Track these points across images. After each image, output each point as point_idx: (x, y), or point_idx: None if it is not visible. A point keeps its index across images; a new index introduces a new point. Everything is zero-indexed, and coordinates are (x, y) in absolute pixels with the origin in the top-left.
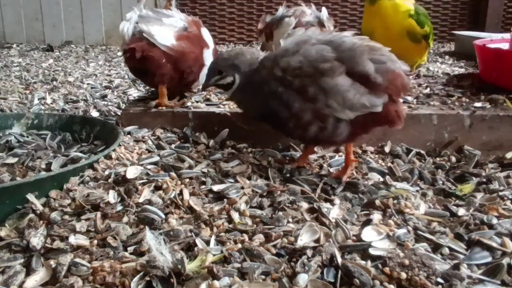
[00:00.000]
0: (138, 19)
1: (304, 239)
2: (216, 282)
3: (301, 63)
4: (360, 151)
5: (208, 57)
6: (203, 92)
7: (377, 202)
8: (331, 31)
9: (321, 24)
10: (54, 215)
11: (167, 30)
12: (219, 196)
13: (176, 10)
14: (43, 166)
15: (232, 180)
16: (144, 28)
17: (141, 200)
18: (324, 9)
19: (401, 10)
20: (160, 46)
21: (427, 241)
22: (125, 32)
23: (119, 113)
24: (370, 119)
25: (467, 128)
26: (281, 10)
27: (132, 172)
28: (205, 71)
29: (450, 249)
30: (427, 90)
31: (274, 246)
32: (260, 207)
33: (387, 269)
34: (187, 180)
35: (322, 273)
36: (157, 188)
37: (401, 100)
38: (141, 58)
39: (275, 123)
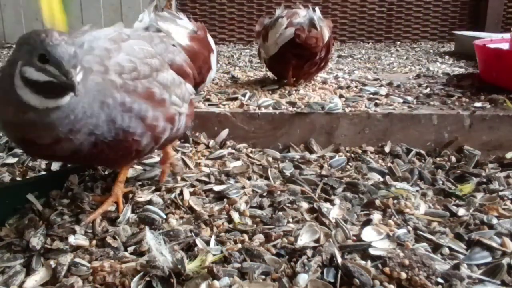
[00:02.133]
0: (156, 18)
1: (304, 239)
2: (216, 282)
3: (133, 63)
4: (360, 151)
5: (213, 62)
6: (202, 92)
7: (377, 202)
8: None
9: (312, 25)
10: (54, 215)
11: (181, 30)
12: (219, 196)
13: (182, 14)
14: (43, 166)
15: (232, 180)
16: (162, 27)
17: (141, 200)
18: (317, 9)
19: None
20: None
21: (427, 241)
22: None
23: None
24: (191, 105)
25: (467, 128)
26: (278, 12)
27: (131, 171)
28: (212, 75)
29: (450, 249)
30: (427, 90)
31: (274, 246)
32: (260, 207)
33: (387, 269)
34: (188, 180)
35: (322, 273)
36: (158, 188)
37: None
38: None
39: (103, 151)
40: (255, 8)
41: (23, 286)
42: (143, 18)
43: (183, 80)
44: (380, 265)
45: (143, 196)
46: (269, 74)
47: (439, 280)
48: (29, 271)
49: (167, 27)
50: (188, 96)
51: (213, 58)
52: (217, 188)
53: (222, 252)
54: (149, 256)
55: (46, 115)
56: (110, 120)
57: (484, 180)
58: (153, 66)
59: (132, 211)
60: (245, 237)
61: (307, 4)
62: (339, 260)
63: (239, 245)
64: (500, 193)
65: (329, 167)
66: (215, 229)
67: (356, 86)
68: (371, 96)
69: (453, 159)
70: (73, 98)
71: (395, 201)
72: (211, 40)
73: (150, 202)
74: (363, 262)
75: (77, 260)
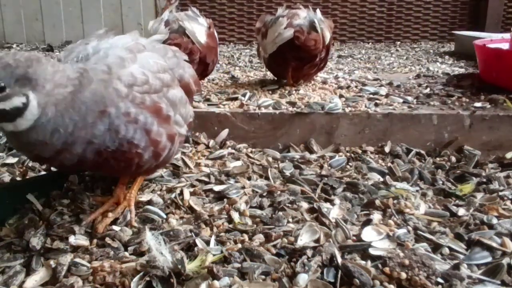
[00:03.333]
0: (183, 17)
1: (304, 239)
2: (216, 282)
3: (146, 76)
4: (360, 151)
5: (218, 52)
6: (202, 92)
7: (377, 202)
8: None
9: (313, 27)
10: (54, 215)
11: (202, 28)
12: (219, 196)
13: (196, 10)
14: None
15: (232, 180)
16: (188, 27)
17: (141, 200)
18: (318, 11)
19: None
20: (197, 44)
21: (427, 241)
22: (161, 30)
23: None
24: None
25: (467, 128)
26: (280, 11)
27: None
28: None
29: (450, 249)
30: (427, 90)
31: (274, 246)
32: (260, 207)
33: (387, 269)
34: (188, 180)
35: (322, 273)
36: (158, 188)
37: None
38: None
39: (107, 161)
40: (255, 8)
41: (23, 286)
42: (163, 17)
43: (188, 99)
44: (380, 265)
45: (143, 196)
46: (269, 74)
47: (439, 280)
48: (29, 271)
49: (191, 26)
50: (189, 118)
51: (218, 48)
52: (217, 188)
53: (222, 252)
54: (149, 256)
55: (24, 136)
56: (112, 129)
57: (484, 180)
58: (164, 81)
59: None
60: (245, 237)
61: (307, 4)
62: (339, 260)
63: (239, 245)
64: (500, 193)
65: (329, 167)
66: (215, 229)
67: (356, 86)
68: (371, 96)
69: (453, 159)
70: (41, 119)
71: (395, 201)
72: (216, 33)
73: (150, 202)
74: (363, 262)
75: (77, 260)
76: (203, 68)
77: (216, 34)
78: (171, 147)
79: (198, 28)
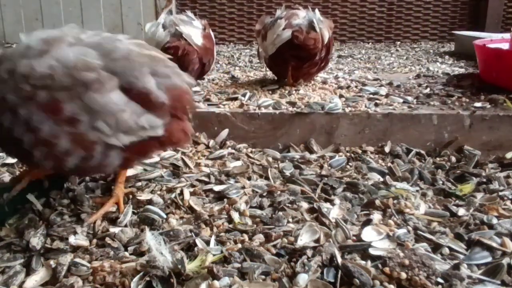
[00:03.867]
0: (179, 22)
1: (304, 239)
2: (216, 282)
3: (52, 70)
4: (360, 151)
5: (214, 51)
6: (202, 92)
7: (377, 202)
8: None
9: (311, 27)
10: (54, 215)
11: (197, 31)
12: (219, 196)
13: (190, 13)
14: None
15: (232, 180)
16: (184, 31)
17: (141, 199)
18: (317, 11)
19: None
20: (194, 46)
21: (427, 241)
22: (160, 34)
23: None
24: (150, 143)
25: (467, 128)
26: (278, 12)
27: (132, 170)
28: (212, 62)
29: (450, 249)
30: (427, 90)
31: (274, 246)
32: (260, 207)
33: (387, 269)
34: (188, 180)
35: (322, 273)
36: (158, 188)
37: (186, 117)
38: (180, 55)
39: (15, 147)
40: (255, 8)
41: (23, 286)
42: (160, 21)
43: (142, 108)
44: (380, 265)
45: (143, 196)
46: (269, 74)
47: (439, 280)
48: (29, 271)
49: (187, 30)
50: (137, 129)
51: (214, 49)
52: (217, 188)
53: (222, 252)
54: (149, 256)
55: None
56: None
57: (484, 180)
58: (81, 80)
59: (133, 211)
60: (245, 237)
61: (307, 4)
62: (339, 260)
63: (239, 245)
64: (500, 193)
65: (329, 167)
66: (215, 229)
67: (356, 86)
68: (371, 96)
69: (453, 159)
70: None
71: (395, 201)
72: (212, 34)
73: (150, 202)
74: (363, 262)
75: (77, 260)
76: (200, 68)
77: (212, 34)
78: (86, 156)
79: (194, 31)
